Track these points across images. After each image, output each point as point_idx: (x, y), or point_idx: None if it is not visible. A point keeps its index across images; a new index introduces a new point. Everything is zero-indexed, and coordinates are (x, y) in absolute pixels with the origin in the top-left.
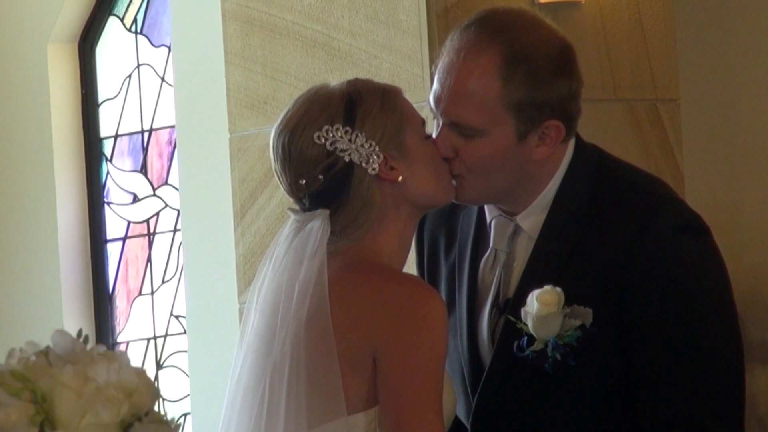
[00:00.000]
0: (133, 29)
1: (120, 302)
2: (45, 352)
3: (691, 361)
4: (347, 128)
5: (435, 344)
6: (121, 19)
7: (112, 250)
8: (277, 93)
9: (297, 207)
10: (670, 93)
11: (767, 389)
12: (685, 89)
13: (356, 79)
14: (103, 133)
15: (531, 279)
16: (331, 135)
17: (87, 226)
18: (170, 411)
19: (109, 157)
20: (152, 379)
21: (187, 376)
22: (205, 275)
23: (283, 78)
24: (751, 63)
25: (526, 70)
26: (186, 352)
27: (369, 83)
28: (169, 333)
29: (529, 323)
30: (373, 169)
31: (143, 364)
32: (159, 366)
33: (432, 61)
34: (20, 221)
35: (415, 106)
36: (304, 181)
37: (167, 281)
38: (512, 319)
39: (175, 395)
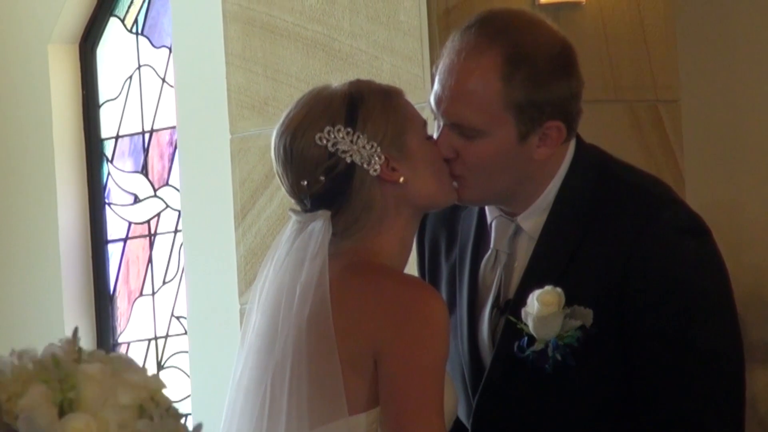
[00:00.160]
0: (134, 30)
1: (121, 303)
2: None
3: (691, 362)
4: (349, 129)
5: (436, 345)
6: (122, 20)
7: (113, 251)
8: (277, 94)
9: (298, 208)
10: (670, 94)
11: (767, 390)
12: (686, 90)
13: (358, 80)
14: (104, 134)
15: (532, 279)
16: (332, 136)
17: (88, 226)
18: None
19: (110, 158)
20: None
21: (188, 376)
22: (206, 276)
23: (283, 79)
24: (751, 64)
25: (526, 71)
26: (187, 352)
27: (371, 84)
28: (169, 334)
29: (530, 324)
30: (375, 171)
31: (144, 364)
32: (160, 367)
33: (433, 63)
34: (21, 222)
35: (415, 107)
36: (305, 182)
37: (168, 282)
38: (513, 319)
39: (175, 396)
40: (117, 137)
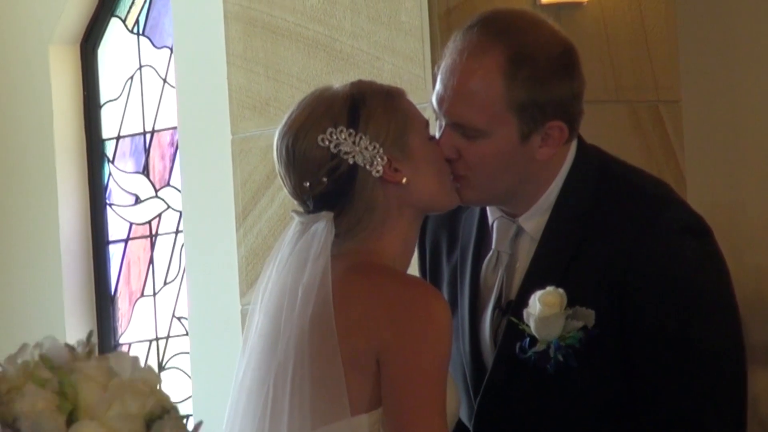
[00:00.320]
0: (135, 30)
1: (122, 304)
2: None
3: (692, 362)
4: (351, 130)
5: (439, 346)
6: (123, 21)
7: (114, 252)
8: (279, 94)
9: (301, 209)
10: (671, 94)
11: None
12: (687, 91)
13: (360, 81)
14: (105, 135)
15: (533, 280)
16: (334, 137)
17: (89, 227)
18: None
19: (111, 159)
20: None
21: (189, 377)
22: (207, 277)
23: (285, 79)
24: (753, 65)
25: (528, 71)
26: (188, 353)
27: (372, 85)
28: (171, 335)
29: (532, 324)
30: (377, 172)
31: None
32: (161, 368)
33: (434, 63)
34: (22, 222)
35: (417, 107)
36: (308, 184)
37: (169, 283)
38: (514, 320)
39: (177, 397)
40: (118, 138)
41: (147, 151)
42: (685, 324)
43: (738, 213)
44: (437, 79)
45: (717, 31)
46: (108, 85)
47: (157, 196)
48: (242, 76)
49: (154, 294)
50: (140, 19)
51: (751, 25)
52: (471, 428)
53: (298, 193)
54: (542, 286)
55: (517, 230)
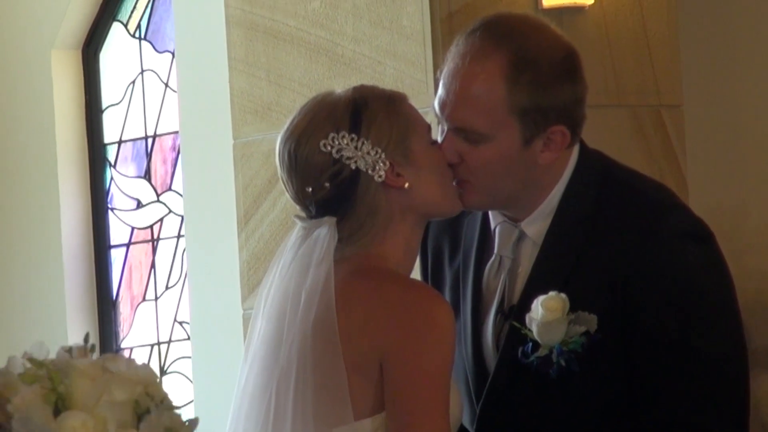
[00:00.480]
0: (136, 35)
1: (124, 308)
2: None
3: (694, 367)
4: (353, 135)
5: (442, 349)
6: (125, 25)
7: (116, 256)
8: (280, 99)
9: (303, 214)
10: (673, 99)
11: None
12: (689, 95)
13: (361, 86)
14: (106, 139)
15: (536, 285)
16: (337, 143)
17: (91, 231)
18: None
19: (112, 163)
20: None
21: (191, 382)
22: (209, 281)
23: (286, 84)
24: (754, 68)
25: (531, 75)
26: (190, 358)
27: (374, 90)
28: (172, 339)
29: (534, 329)
30: (380, 177)
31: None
32: (163, 372)
33: (436, 67)
34: (24, 227)
35: (419, 111)
36: (310, 189)
37: (171, 287)
38: (517, 325)
39: (178, 401)
40: (120, 142)
41: (149, 156)
42: (687, 328)
43: (739, 217)
44: (439, 83)
45: (718, 35)
46: (110, 90)
47: (158, 201)
48: (244, 81)
49: (156, 298)
50: (142, 23)
51: (752, 29)
52: None
53: (300, 198)
54: (545, 291)
55: (520, 235)
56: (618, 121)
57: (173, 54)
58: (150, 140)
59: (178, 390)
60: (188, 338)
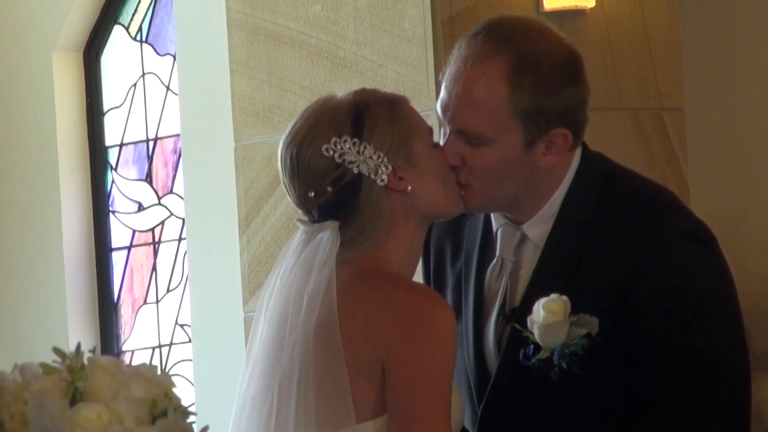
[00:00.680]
0: (138, 38)
1: (125, 311)
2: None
3: (696, 369)
4: (355, 140)
5: (444, 352)
6: (127, 28)
7: (117, 259)
8: (282, 102)
9: (305, 218)
10: (674, 102)
11: None
12: (690, 98)
13: (363, 90)
14: (108, 142)
15: (537, 288)
16: (339, 147)
17: (92, 234)
18: None
19: (114, 166)
20: None
21: (192, 385)
22: (210, 284)
23: (288, 87)
24: (756, 71)
25: (533, 78)
26: (191, 360)
27: (376, 93)
28: (174, 342)
29: (535, 332)
30: (382, 181)
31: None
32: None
33: (437, 70)
34: (25, 230)
35: (420, 114)
36: (312, 194)
37: (172, 290)
38: (518, 327)
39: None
40: (121, 145)
41: (150, 159)
42: (688, 331)
43: (741, 220)
44: (442, 86)
45: (720, 38)
46: (111, 93)
47: (160, 204)
48: (245, 84)
49: (157, 301)
50: (143, 26)
51: (753, 32)
52: None
53: (302, 202)
54: (546, 294)
55: (522, 237)
56: (619, 125)
57: (174, 57)
58: (151, 143)
59: (179, 393)
60: (189, 341)
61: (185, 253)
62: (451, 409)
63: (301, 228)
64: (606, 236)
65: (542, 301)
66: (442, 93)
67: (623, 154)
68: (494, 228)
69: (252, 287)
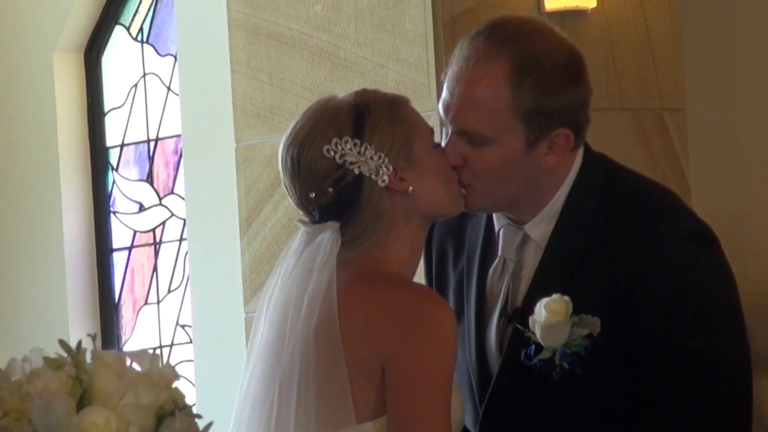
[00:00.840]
0: (139, 38)
1: (126, 311)
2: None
3: (697, 370)
4: (356, 141)
5: (444, 353)
6: (128, 28)
7: (118, 260)
8: (283, 102)
9: (306, 219)
10: (676, 102)
11: None
12: (691, 99)
13: (364, 90)
14: (109, 143)
15: (539, 288)
16: (340, 148)
17: (93, 235)
18: None
19: (115, 167)
20: None
21: (193, 385)
22: (211, 284)
23: (289, 87)
24: (757, 72)
25: (535, 78)
26: (192, 361)
27: (377, 94)
28: (175, 342)
29: (537, 332)
30: (383, 181)
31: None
32: None
33: (438, 70)
34: (26, 230)
35: (421, 115)
36: (313, 194)
37: (173, 290)
38: (520, 327)
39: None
40: (122, 145)
41: (151, 159)
42: (690, 331)
43: (742, 221)
44: (443, 86)
45: (721, 38)
46: (112, 93)
47: (161, 204)
48: (246, 84)
49: (158, 302)
50: (144, 26)
51: (755, 33)
52: None
53: (303, 203)
54: (548, 294)
55: (524, 237)
56: (620, 125)
57: (175, 57)
58: (152, 143)
59: (181, 390)
60: (190, 341)
61: (186, 254)
62: (451, 410)
63: (302, 229)
64: (608, 236)
65: (544, 301)
66: (444, 93)
67: (624, 154)
68: (496, 228)
69: (253, 287)
